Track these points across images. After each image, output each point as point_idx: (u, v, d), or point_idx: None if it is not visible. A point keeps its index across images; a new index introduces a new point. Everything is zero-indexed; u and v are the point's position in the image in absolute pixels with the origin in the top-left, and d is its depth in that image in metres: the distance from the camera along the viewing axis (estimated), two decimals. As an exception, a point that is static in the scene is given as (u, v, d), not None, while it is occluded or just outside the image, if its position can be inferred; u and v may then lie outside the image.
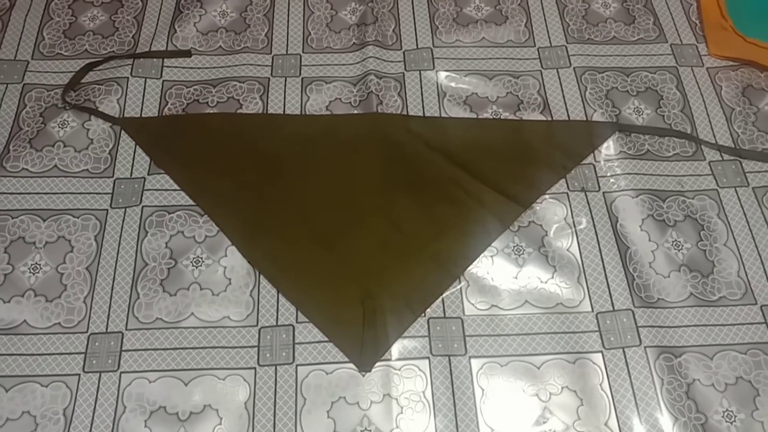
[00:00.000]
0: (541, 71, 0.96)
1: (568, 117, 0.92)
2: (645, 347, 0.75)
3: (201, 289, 0.78)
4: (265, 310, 0.77)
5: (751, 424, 0.71)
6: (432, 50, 0.98)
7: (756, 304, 0.78)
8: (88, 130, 0.89)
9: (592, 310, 0.78)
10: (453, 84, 0.95)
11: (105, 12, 1.02)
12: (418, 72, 0.96)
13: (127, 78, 0.94)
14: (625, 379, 0.73)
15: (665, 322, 0.77)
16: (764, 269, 0.80)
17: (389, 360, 0.75)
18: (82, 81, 0.94)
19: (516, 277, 0.80)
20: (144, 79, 0.94)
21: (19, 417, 0.71)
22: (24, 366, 0.73)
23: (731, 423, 0.71)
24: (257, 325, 0.76)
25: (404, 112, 0.92)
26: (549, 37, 1.00)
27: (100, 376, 0.73)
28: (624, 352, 0.75)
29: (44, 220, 0.82)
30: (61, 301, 0.77)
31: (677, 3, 1.04)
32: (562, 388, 0.73)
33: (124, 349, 0.74)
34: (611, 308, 0.78)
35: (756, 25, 0.99)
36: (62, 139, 0.88)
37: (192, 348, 0.75)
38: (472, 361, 0.75)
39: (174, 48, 0.98)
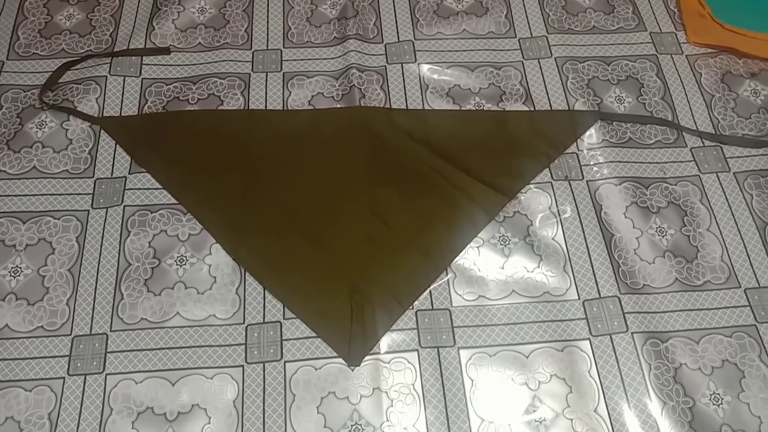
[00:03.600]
0: (522, 62, 0.97)
1: (551, 107, 0.92)
2: (632, 333, 0.75)
3: (186, 287, 0.78)
4: (252, 307, 0.77)
5: (738, 405, 0.72)
6: (413, 43, 0.98)
7: (740, 287, 0.79)
8: (67, 130, 0.88)
9: (579, 298, 0.78)
10: (435, 76, 0.95)
11: (81, 10, 1.01)
12: (400, 65, 0.96)
13: (106, 77, 0.92)
14: (613, 366, 0.74)
15: (651, 307, 0.77)
16: (747, 253, 0.81)
17: (378, 353, 0.74)
18: (60, 81, 0.93)
19: (503, 267, 0.80)
20: (123, 78, 0.93)
21: (3, 423, 0.69)
22: (6, 371, 0.72)
23: (718, 405, 0.71)
24: (244, 322, 0.76)
25: (387, 105, 0.92)
26: (530, 27, 1.00)
27: (85, 378, 0.72)
28: (611, 338, 0.75)
29: (24, 223, 0.81)
30: (44, 304, 0.76)
31: (655, -9, 1.05)
32: (551, 376, 0.73)
33: (109, 350, 0.74)
34: (597, 295, 0.78)
35: (733, 12, 1.00)
36: (40, 139, 0.87)
37: (178, 347, 0.74)
38: (461, 352, 0.75)
39: (153, 45, 0.97)
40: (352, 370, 0.73)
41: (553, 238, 0.82)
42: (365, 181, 0.85)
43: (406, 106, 0.92)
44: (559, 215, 0.83)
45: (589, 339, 0.75)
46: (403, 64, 0.96)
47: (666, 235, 0.82)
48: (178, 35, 0.98)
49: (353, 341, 0.75)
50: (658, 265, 0.80)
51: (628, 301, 0.77)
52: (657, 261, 0.80)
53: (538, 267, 0.80)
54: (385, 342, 0.75)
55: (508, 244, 0.81)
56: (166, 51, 0.96)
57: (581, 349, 0.75)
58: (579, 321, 0.76)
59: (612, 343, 0.75)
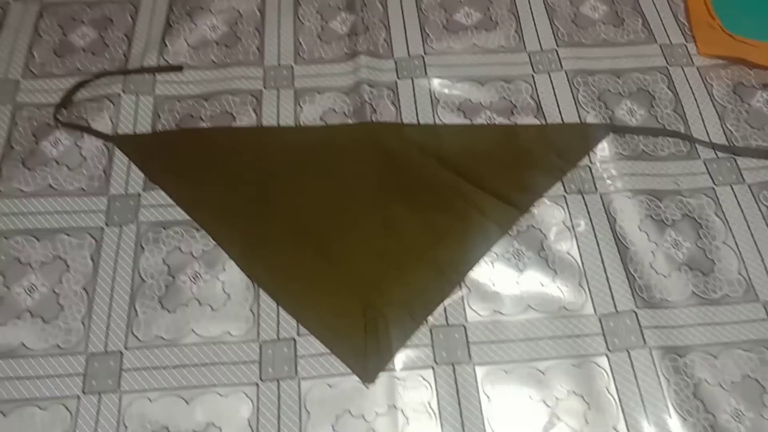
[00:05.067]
0: (533, 75, 0.97)
1: (562, 120, 0.92)
2: (650, 348, 0.74)
3: (200, 304, 0.78)
4: (266, 324, 0.77)
5: (761, 422, 0.70)
6: (424, 58, 0.98)
7: (758, 300, 0.78)
8: (81, 147, 0.89)
9: (595, 313, 0.77)
10: (446, 90, 0.95)
11: (95, 29, 1.02)
12: (410, 80, 0.96)
13: (119, 94, 0.93)
14: (631, 382, 0.73)
15: (669, 322, 0.76)
16: (764, 265, 0.80)
17: (393, 370, 0.74)
18: (74, 99, 0.93)
19: (517, 282, 0.79)
20: (136, 95, 0.93)
21: (19, 441, 0.69)
22: (22, 389, 0.72)
23: (740, 422, 0.70)
24: (258, 339, 0.76)
25: (398, 120, 0.92)
26: (539, 41, 1.00)
27: (100, 397, 0.72)
28: (629, 353, 0.74)
29: (39, 240, 0.81)
30: (59, 322, 0.76)
31: (665, 4, 1.05)
32: (569, 392, 0.73)
33: (123, 368, 0.73)
34: (614, 310, 0.77)
35: (744, 23, 1.00)
36: (55, 157, 0.88)
37: (193, 365, 0.74)
38: (477, 368, 0.74)
39: (165, 63, 0.97)
40: (367, 387, 0.73)
41: (567, 252, 0.81)
42: (377, 196, 0.85)
43: (417, 120, 0.92)
44: (574, 229, 0.83)
45: (606, 354, 0.75)
46: (414, 79, 0.96)
47: (681, 248, 0.82)
48: (191, 52, 0.99)
49: (368, 357, 0.74)
50: (674, 279, 0.79)
51: (645, 316, 0.76)
52: (673, 274, 0.80)
53: (553, 281, 0.79)
54: (399, 358, 0.75)
55: (522, 258, 0.81)
56: (178, 68, 0.97)
57: (599, 364, 0.74)
58: (596, 336, 0.76)
59: (630, 358, 0.74)
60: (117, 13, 1.03)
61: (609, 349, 0.75)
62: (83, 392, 0.72)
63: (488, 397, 0.72)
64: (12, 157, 0.87)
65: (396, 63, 0.98)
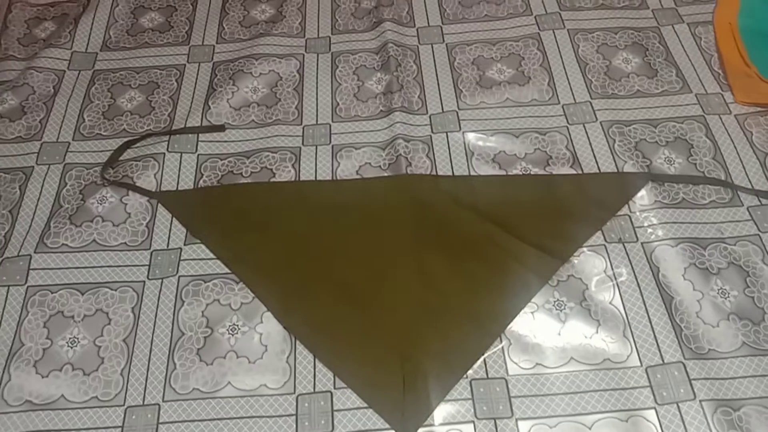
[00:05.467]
0: (567, 127, 0.97)
1: (599, 170, 0.92)
2: (700, 401, 0.71)
3: (237, 357, 0.78)
4: (302, 376, 0.76)
5: (825, 481, 0.66)
6: (457, 113, 1.00)
7: (814, 351, 0.74)
8: (126, 204, 0.92)
9: (641, 365, 0.74)
10: (480, 143, 0.96)
11: (142, 93, 1.07)
12: (445, 134, 0.98)
13: (164, 153, 0.97)
14: (683, 437, 0.69)
15: (719, 373, 0.73)
16: (818, 315, 0.77)
17: (432, 425, 0.72)
18: (121, 158, 0.97)
19: (559, 334, 0.77)
20: (180, 154, 0.97)
21: (56, 496, 0.69)
22: (61, 442, 0.72)
23: (803, 481, 0.66)
24: (295, 392, 0.75)
25: (433, 173, 0.93)
26: (573, 94, 1.01)
27: (137, 450, 0.72)
28: (678, 407, 0.71)
29: (83, 294, 0.83)
30: (99, 374, 0.77)
31: (698, 55, 1.05)
32: (617, 448, 0.69)
33: (161, 421, 0.73)
34: (661, 361, 0.74)
35: (781, 70, 0.99)
36: (101, 214, 0.91)
37: (229, 418, 0.73)
38: (520, 423, 0.71)
39: (208, 123, 1.01)
40: (406, 441, 0.71)
41: (610, 303, 0.79)
42: (414, 248, 0.85)
43: (452, 172, 0.93)
44: (615, 278, 0.81)
45: (654, 408, 0.71)
46: (448, 133, 0.98)
47: (729, 297, 0.79)
48: (233, 113, 1.03)
49: (406, 412, 0.73)
50: (722, 329, 0.76)
51: (694, 367, 0.73)
52: (721, 324, 0.77)
53: (597, 332, 0.77)
54: (439, 413, 0.73)
55: (564, 309, 0.79)
56: (221, 128, 1.00)
57: (647, 419, 0.71)
58: (643, 389, 0.73)
59: (680, 411, 0.71)
60: (163, 78, 1.09)
61: (657, 402, 0.72)
62: (121, 445, 0.72)
63: (532, 453, 0.69)
64: (60, 214, 0.91)
65: (430, 119, 1.00)
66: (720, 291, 0.79)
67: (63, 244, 0.87)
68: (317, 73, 1.08)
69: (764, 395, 0.71)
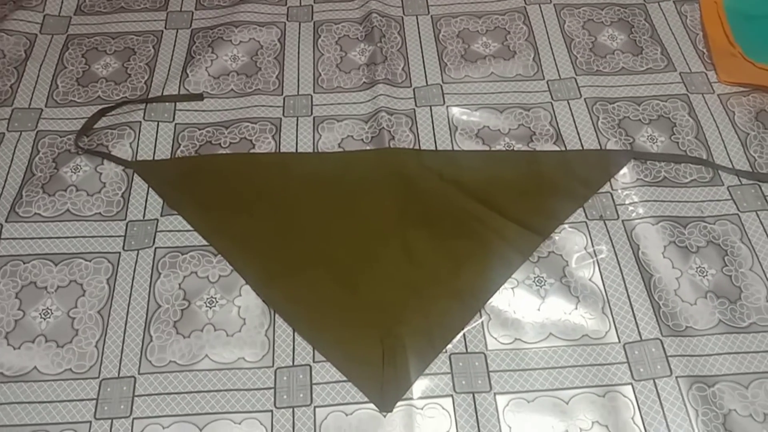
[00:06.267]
0: (551, 103, 0.96)
1: (582, 147, 0.91)
2: (676, 377, 0.72)
3: (215, 330, 0.77)
4: (281, 350, 0.75)
5: (795, 456, 0.67)
6: (441, 86, 0.99)
7: (788, 329, 0.75)
8: (101, 173, 0.89)
9: (619, 341, 0.75)
10: (464, 118, 0.95)
11: (118, 60, 1.03)
12: (428, 107, 0.96)
13: (140, 122, 0.94)
14: (657, 412, 0.70)
15: (695, 350, 0.74)
16: (794, 294, 0.78)
17: (411, 399, 0.72)
18: (95, 126, 0.94)
19: (539, 309, 0.78)
20: (156, 123, 0.94)
21: (29, 468, 0.68)
22: (34, 414, 0.71)
23: (774, 455, 0.67)
24: (273, 365, 0.74)
25: (416, 147, 0.92)
26: (558, 69, 1.01)
27: (112, 422, 0.70)
28: (655, 383, 0.72)
29: (56, 265, 0.81)
30: (73, 347, 0.75)
31: (683, 33, 1.05)
32: (593, 423, 0.70)
33: (136, 394, 0.72)
34: (638, 338, 0.75)
35: (764, 50, 0.99)
36: (75, 183, 0.88)
37: (206, 391, 0.72)
38: (498, 397, 0.72)
39: (186, 92, 0.98)
40: (384, 416, 0.71)
41: (590, 279, 0.80)
42: (396, 223, 0.84)
43: (436, 147, 0.92)
44: (596, 255, 0.81)
45: (631, 384, 0.72)
46: (432, 107, 0.96)
47: (707, 275, 0.80)
48: (211, 82, 1.00)
49: (385, 386, 0.72)
50: (700, 307, 0.77)
51: (671, 344, 0.74)
52: (699, 302, 0.77)
53: (576, 309, 0.77)
54: (418, 387, 0.73)
55: (544, 285, 0.79)
56: (199, 97, 0.98)
57: (624, 394, 0.72)
58: (620, 365, 0.73)
59: (656, 387, 0.72)
60: (139, 44, 1.05)
61: (634, 378, 0.72)
62: (95, 417, 0.71)
63: (510, 427, 0.70)
64: (33, 182, 0.88)
65: (414, 92, 0.99)
66: (698, 269, 0.80)
67: (36, 214, 0.85)
68: (299, 43, 1.06)
69: (738, 372, 0.72)
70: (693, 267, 0.80)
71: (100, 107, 0.96)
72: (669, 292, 0.78)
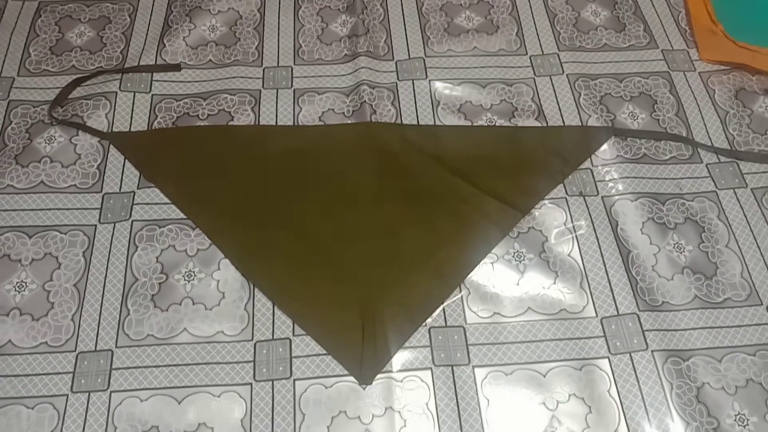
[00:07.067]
0: (534, 78, 0.96)
1: (563, 123, 0.91)
2: (652, 351, 0.73)
3: (194, 303, 0.76)
4: (261, 323, 0.75)
5: (764, 427, 0.69)
6: (424, 60, 0.98)
7: (761, 304, 0.77)
8: (76, 145, 0.87)
9: (597, 315, 0.76)
10: (447, 92, 0.94)
11: (92, 28, 1.01)
12: (411, 81, 0.95)
13: (116, 93, 0.92)
14: (633, 385, 0.71)
15: (671, 325, 0.75)
16: (767, 269, 0.79)
17: (390, 372, 0.72)
18: (70, 96, 0.92)
19: (517, 284, 0.78)
20: (133, 94, 0.92)
21: (4, 441, 0.67)
22: (8, 388, 0.70)
23: (744, 426, 0.69)
24: (252, 339, 0.74)
25: (398, 121, 0.91)
26: (540, 45, 1.00)
27: (89, 396, 0.70)
28: (631, 356, 0.73)
29: (30, 237, 0.80)
30: (48, 320, 0.74)
31: (666, 10, 1.05)
32: (570, 395, 0.71)
33: (114, 367, 0.72)
34: (616, 313, 0.76)
35: (746, 29, 0.99)
36: (49, 154, 0.86)
37: (185, 364, 0.72)
38: (476, 370, 0.72)
39: (163, 62, 0.96)
40: (364, 388, 0.71)
41: (568, 255, 0.80)
42: (377, 197, 0.83)
43: (417, 122, 0.91)
44: (575, 231, 0.82)
45: (608, 357, 0.73)
46: (414, 81, 0.95)
47: (684, 251, 0.81)
48: (189, 52, 0.98)
49: (365, 359, 0.73)
50: (676, 282, 0.78)
51: (648, 319, 0.75)
52: (675, 278, 0.78)
53: (554, 283, 0.78)
54: (397, 360, 0.73)
55: (523, 260, 0.80)
56: (176, 68, 0.96)
57: (600, 367, 0.73)
58: (597, 339, 0.74)
59: (632, 361, 0.73)
60: (115, 13, 1.03)
61: (611, 352, 0.73)
62: (72, 391, 0.70)
63: (488, 399, 0.70)
64: (5, 153, 0.86)
65: (396, 65, 0.97)
66: (676, 245, 0.81)
67: (8, 185, 0.83)
68: (279, 13, 1.04)
69: (712, 346, 0.74)
70: (670, 243, 0.81)
71: (75, 77, 0.93)
72: (646, 268, 0.79)
